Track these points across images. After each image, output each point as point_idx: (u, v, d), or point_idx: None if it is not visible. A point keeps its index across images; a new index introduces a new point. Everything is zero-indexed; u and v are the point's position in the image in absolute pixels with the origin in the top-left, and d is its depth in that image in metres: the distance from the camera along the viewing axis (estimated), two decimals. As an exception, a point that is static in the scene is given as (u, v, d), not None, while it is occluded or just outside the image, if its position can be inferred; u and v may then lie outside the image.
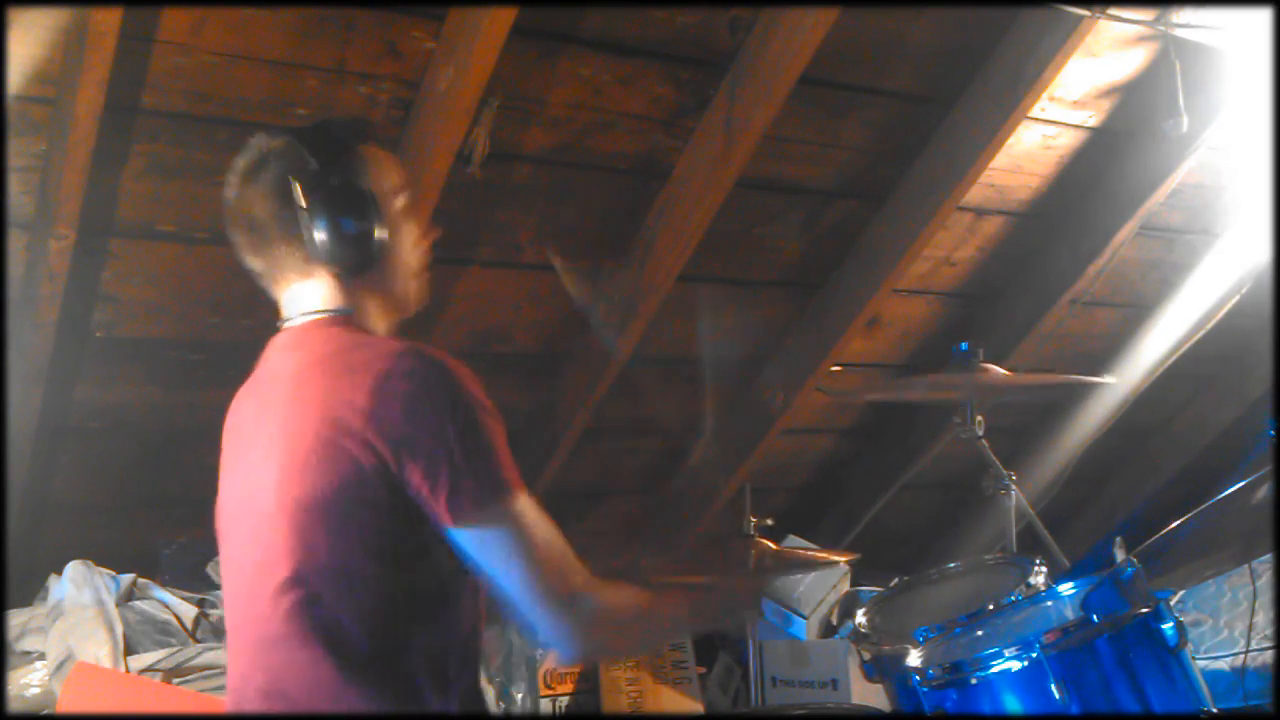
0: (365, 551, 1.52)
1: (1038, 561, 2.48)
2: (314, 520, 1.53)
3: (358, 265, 1.65)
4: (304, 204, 1.62)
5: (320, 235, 1.62)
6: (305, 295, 1.67)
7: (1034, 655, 2.04)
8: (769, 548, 2.74)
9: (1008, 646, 2.07)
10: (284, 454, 1.56)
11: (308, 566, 1.53)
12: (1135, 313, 4.08)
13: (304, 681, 1.52)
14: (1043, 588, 2.39)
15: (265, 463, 1.59)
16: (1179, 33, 3.05)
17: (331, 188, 1.62)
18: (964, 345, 3.01)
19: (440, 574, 1.55)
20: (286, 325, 1.68)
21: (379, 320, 1.71)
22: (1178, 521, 2.36)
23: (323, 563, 1.53)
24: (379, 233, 1.65)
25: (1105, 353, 4.08)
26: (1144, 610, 2.09)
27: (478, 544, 1.53)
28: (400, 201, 1.72)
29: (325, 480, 1.52)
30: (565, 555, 1.56)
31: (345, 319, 1.66)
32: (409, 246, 1.73)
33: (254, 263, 1.69)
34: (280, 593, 1.54)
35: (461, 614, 1.58)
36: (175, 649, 2.72)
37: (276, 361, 1.67)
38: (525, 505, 1.55)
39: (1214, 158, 3.59)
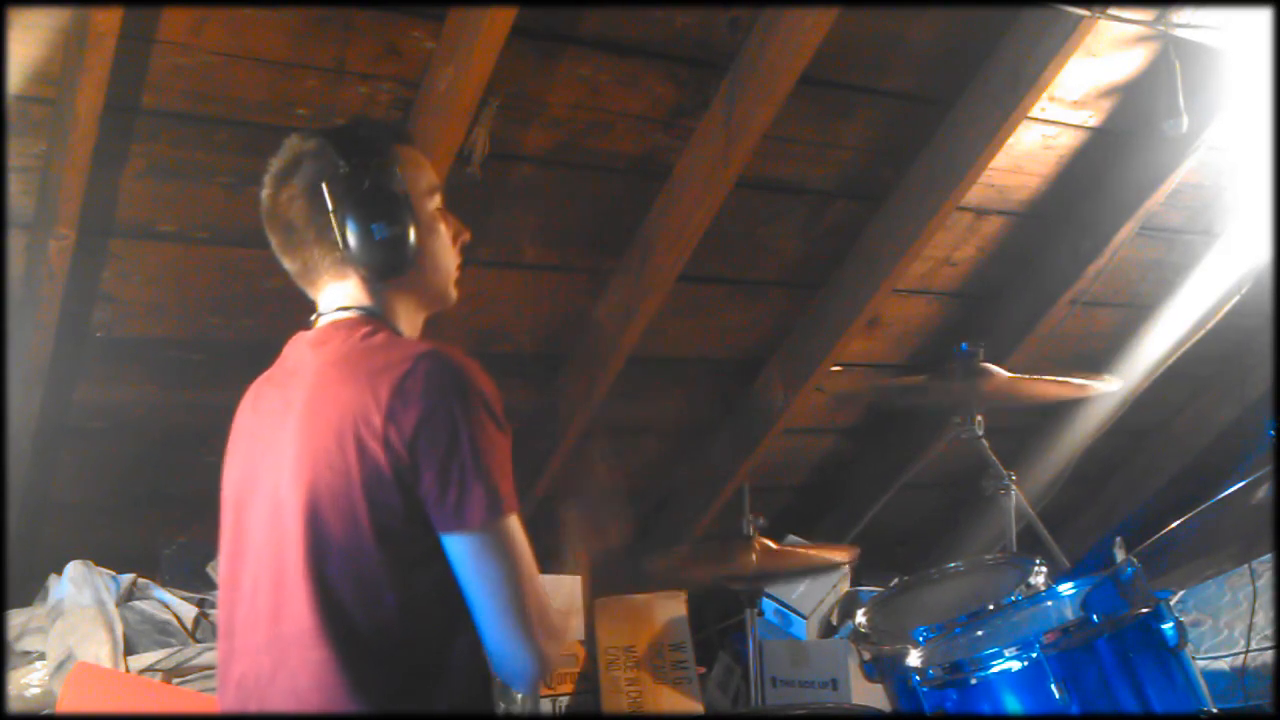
0: (381, 553, 1.53)
1: (1038, 561, 2.48)
2: (333, 519, 1.53)
3: (390, 269, 1.66)
4: (336, 208, 1.63)
5: (353, 239, 1.63)
6: (338, 295, 1.69)
7: (1034, 655, 2.04)
8: (769, 547, 2.75)
9: (1008, 646, 2.08)
10: (306, 452, 1.57)
11: (326, 565, 1.54)
12: (1135, 313, 4.08)
13: (318, 682, 1.52)
14: (1043, 588, 2.39)
15: (287, 459, 1.60)
16: (1179, 33, 3.05)
17: (364, 192, 1.63)
18: (964, 345, 3.01)
19: (452, 579, 1.55)
20: (315, 321, 1.70)
21: (410, 319, 1.73)
22: (1178, 521, 2.36)
23: (340, 562, 1.53)
24: (412, 236, 1.66)
25: (1105, 353, 4.08)
26: (1144, 610, 2.09)
27: (470, 555, 1.54)
28: (434, 203, 1.73)
29: (345, 479, 1.53)
30: (541, 589, 1.58)
31: (373, 318, 1.67)
32: (442, 248, 1.74)
33: (289, 263, 1.71)
34: (300, 591, 1.54)
35: (469, 620, 1.58)
36: (175, 649, 2.71)
37: (300, 357, 1.68)
38: (517, 527, 1.57)
39: (1214, 158, 3.59)
